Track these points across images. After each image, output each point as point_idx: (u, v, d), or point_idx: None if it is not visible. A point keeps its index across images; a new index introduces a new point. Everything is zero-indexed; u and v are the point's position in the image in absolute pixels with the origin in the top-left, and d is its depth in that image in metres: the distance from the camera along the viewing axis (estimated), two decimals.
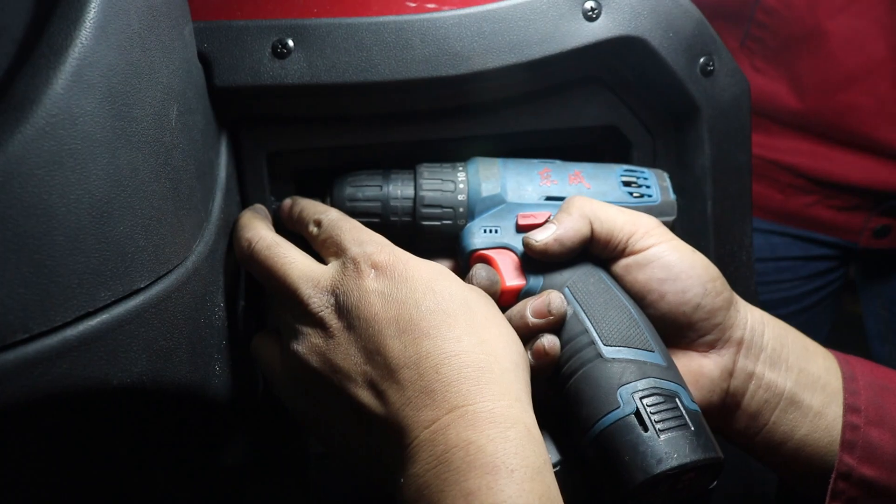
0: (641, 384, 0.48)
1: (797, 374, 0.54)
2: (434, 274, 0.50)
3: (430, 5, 0.61)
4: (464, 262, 0.59)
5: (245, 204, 0.61)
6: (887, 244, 0.95)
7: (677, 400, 0.48)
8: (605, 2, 0.59)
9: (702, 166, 0.64)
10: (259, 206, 0.60)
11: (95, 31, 0.40)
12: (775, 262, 0.96)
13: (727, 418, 0.55)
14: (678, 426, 0.46)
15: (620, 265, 0.55)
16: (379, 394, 0.45)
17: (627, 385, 0.48)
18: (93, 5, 0.40)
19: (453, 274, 0.51)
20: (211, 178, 0.55)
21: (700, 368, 0.54)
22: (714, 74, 0.62)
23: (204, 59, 0.56)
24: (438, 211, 0.59)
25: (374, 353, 0.46)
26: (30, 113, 0.36)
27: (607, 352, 0.50)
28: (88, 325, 0.39)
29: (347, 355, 0.47)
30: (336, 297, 0.49)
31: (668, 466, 0.45)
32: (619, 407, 0.47)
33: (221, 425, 0.59)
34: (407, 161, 0.62)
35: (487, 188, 0.59)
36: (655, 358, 0.50)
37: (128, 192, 0.41)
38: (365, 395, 0.46)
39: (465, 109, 0.61)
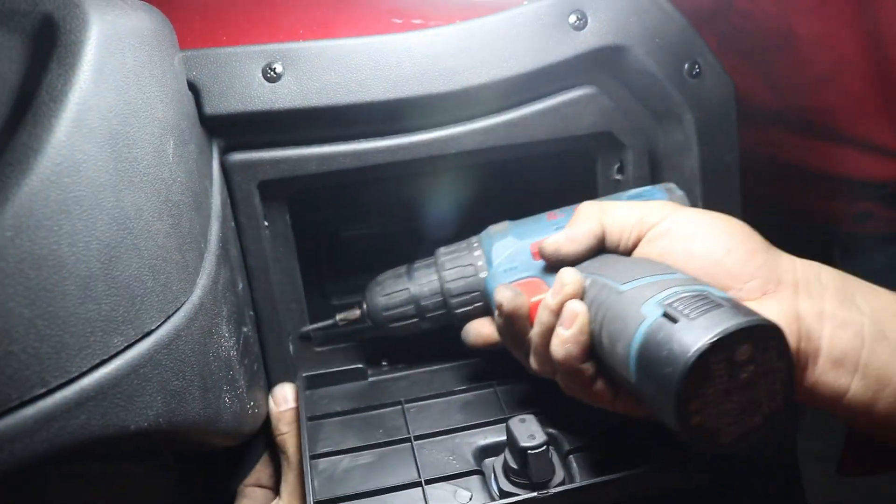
0: (663, 294, 0.44)
1: (872, 309, 0.47)
2: None
3: (415, 21, 0.61)
4: (494, 305, 0.59)
5: (240, 231, 0.60)
6: (868, 229, 0.97)
7: (706, 293, 0.43)
8: (591, 12, 0.59)
9: (691, 167, 0.65)
10: None
11: (93, 73, 0.39)
12: None
13: (811, 371, 0.47)
14: (711, 307, 0.41)
15: (643, 243, 0.53)
16: None
17: (650, 299, 0.44)
18: (89, 47, 0.39)
19: None
20: (206, 207, 0.55)
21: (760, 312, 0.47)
22: (700, 77, 0.63)
23: (193, 87, 0.55)
24: (460, 271, 0.62)
25: None
26: (34, 163, 0.36)
27: (624, 287, 0.47)
28: (104, 373, 0.39)
29: None
30: None
31: (707, 338, 0.39)
32: (645, 318, 0.43)
33: (232, 455, 0.58)
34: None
35: (498, 237, 0.61)
36: (676, 275, 0.46)
37: (133, 233, 0.41)
38: None
39: (458, 125, 0.61)
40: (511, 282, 0.58)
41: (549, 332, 0.52)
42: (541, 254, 0.56)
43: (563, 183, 0.76)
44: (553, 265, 0.56)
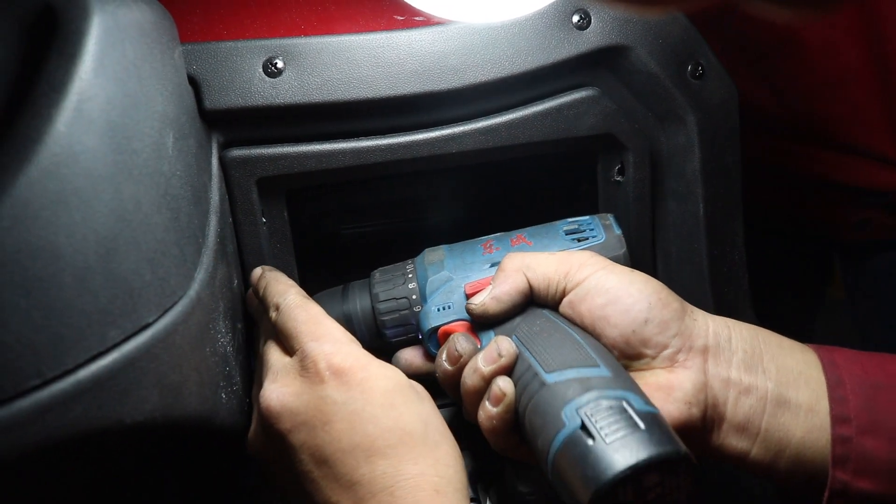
0: (584, 398, 0.46)
1: (777, 373, 0.51)
2: (394, 385, 0.50)
3: (418, 18, 0.60)
4: (426, 342, 0.60)
5: (238, 227, 0.60)
6: (868, 236, 0.97)
7: (625, 404, 0.45)
8: (595, 12, 0.59)
9: (692, 169, 0.65)
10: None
11: (94, 64, 0.39)
12: (761, 261, 0.97)
13: (716, 434, 0.51)
14: (626, 427, 0.44)
15: (565, 304, 0.54)
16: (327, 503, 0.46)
17: (570, 403, 0.46)
18: (91, 38, 0.39)
19: (412, 386, 0.51)
20: (205, 202, 0.54)
21: (669, 384, 0.51)
22: (703, 79, 0.63)
23: (193, 81, 0.55)
24: (394, 303, 0.61)
25: (322, 462, 0.47)
26: (33, 154, 0.35)
27: (549, 377, 0.49)
28: (100, 366, 0.38)
29: (292, 461, 0.48)
30: (290, 397, 0.49)
31: (617, 470, 0.42)
32: (564, 426, 0.45)
33: (229, 451, 0.58)
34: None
35: (433, 270, 0.61)
36: (600, 371, 0.48)
37: (132, 226, 0.41)
38: (312, 502, 0.47)
39: (459, 125, 0.60)
40: (443, 323, 0.58)
41: (476, 394, 0.52)
42: (468, 313, 0.57)
43: (564, 184, 0.76)
44: (481, 323, 0.57)
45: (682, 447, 0.44)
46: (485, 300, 0.55)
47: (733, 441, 0.51)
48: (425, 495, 0.45)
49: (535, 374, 0.49)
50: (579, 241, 0.61)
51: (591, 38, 0.59)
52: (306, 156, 0.58)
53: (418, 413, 0.49)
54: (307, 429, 0.47)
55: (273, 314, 0.55)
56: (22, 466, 0.37)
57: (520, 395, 0.50)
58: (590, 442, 0.43)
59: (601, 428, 0.44)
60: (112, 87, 0.40)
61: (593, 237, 0.61)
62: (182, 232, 0.47)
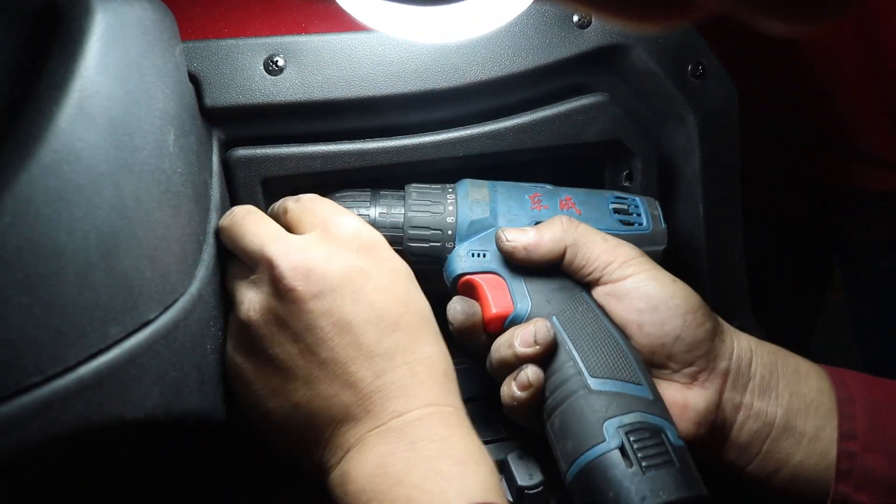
0: (627, 418, 0.47)
1: (789, 400, 0.52)
2: (409, 272, 0.52)
3: None
4: (450, 287, 0.57)
5: None
6: (869, 238, 0.97)
7: (663, 436, 0.47)
8: None
9: (692, 170, 0.65)
10: None
11: (96, 62, 0.39)
12: (761, 262, 0.97)
13: (716, 450, 0.53)
14: (663, 463, 0.45)
15: (599, 294, 0.54)
16: (344, 373, 0.46)
17: (613, 419, 0.47)
18: (93, 35, 0.39)
19: None
20: (206, 199, 0.54)
21: (685, 401, 0.51)
22: (703, 79, 0.63)
23: (194, 79, 0.55)
24: (427, 233, 0.57)
25: (345, 330, 0.47)
26: (34, 151, 0.36)
27: (594, 383, 0.49)
28: (101, 363, 0.38)
29: (306, 329, 0.47)
30: (317, 260, 0.48)
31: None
32: (604, 441, 0.46)
33: (231, 449, 0.58)
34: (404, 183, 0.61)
35: (477, 211, 0.57)
36: (643, 391, 0.49)
37: (133, 223, 0.41)
38: (325, 371, 0.47)
39: (467, 128, 0.60)
40: (473, 272, 0.56)
41: (504, 368, 0.52)
42: (496, 241, 0.55)
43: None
44: (510, 262, 0.55)
45: (706, 491, 0.46)
46: (517, 245, 0.54)
47: (732, 456, 0.53)
48: (440, 377, 0.48)
49: (579, 373, 0.50)
50: (625, 224, 0.58)
51: (592, 37, 0.59)
52: (312, 157, 0.58)
53: (426, 303, 0.51)
54: (335, 296, 0.47)
55: (291, 204, 0.54)
56: (23, 463, 0.37)
57: (555, 386, 0.50)
58: (627, 466, 0.45)
59: (640, 456, 0.45)
60: (114, 85, 0.40)
61: (639, 224, 0.59)
62: (183, 229, 0.47)
